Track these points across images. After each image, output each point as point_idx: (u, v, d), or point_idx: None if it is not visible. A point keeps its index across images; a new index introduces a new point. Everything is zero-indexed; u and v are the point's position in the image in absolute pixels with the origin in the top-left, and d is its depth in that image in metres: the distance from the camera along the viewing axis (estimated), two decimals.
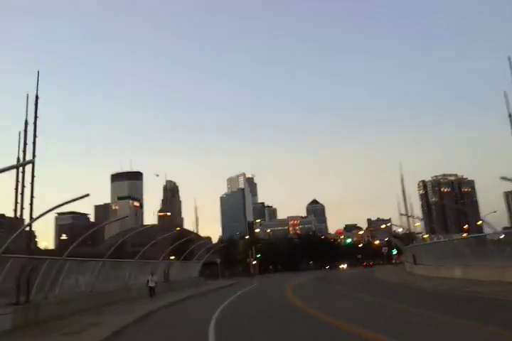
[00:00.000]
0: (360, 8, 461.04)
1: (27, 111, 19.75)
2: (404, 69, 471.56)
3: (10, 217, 18.59)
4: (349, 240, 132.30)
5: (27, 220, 17.89)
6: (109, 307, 20.79)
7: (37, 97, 20.28)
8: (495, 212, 73.81)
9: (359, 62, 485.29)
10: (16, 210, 17.65)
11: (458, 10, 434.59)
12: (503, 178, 19.17)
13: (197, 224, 60.37)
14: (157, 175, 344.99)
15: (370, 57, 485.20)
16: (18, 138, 19.20)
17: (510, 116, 30.65)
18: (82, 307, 19.83)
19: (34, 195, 18.24)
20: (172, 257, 54.14)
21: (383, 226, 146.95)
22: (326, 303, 19.24)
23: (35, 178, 18.07)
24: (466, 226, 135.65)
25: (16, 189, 17.73)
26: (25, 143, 18.86)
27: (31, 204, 17.75)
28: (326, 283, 37.85)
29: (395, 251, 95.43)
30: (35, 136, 19.28)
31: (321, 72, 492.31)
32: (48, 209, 15.26)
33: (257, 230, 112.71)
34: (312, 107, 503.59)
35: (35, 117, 19.85)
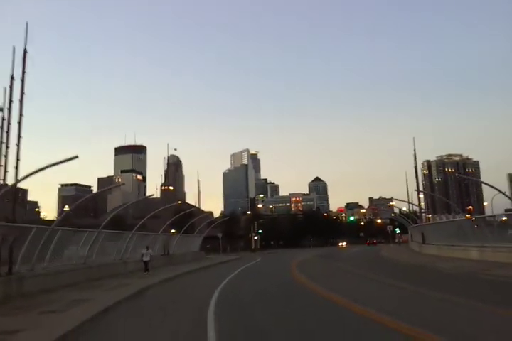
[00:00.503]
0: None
1: (13, 65, 17.89)
2: (410, 51, 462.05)
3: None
4: (352, 217, 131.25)
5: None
6: (103, 282, 19.43)
7: (25, 51, 18.44)
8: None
9: (367, 44, 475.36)
10: None
11: None
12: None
13: (199, 198, 58.01)
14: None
15: (379, 40, 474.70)
16: (3, 95, 17.34)
17: None
18: (74, 281, 18.47)
19: (32, 164, 16.65)
20: (173, 231, 53.04)
21: (390, 203, 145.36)
22: (334, 282, 17.81)
23: (25, 141, 16.41)
24: (470, 207, 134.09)
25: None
26: (10, 101, 17.05)
27: (16, 167, 16.02)
28: (332, 260, 36.48)
29: (398, 230, 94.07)
30: (22, 93, 17.50)
31: (326, 52, 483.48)
32: (35, 170, 13.96)
33: (260, 205, 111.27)
34: (316, 86, 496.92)
35: (23, 73, 18.01)
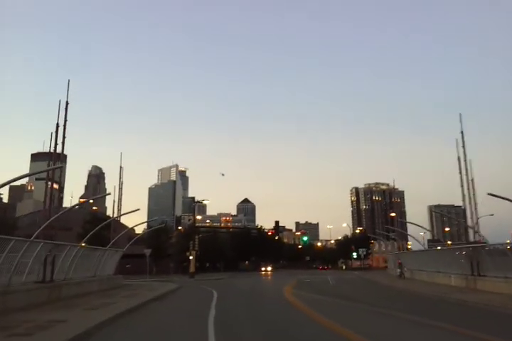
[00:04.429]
0: None
1: None
2: (335, 83, 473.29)
3: None
4: (306, 238, 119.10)
5: None
6: None
7: None
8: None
9: (304, 68, 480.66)
10: None
11: None
12: (491, 194, 17.41)
13: (119, 204, 39.19)
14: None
15: (327, 59, 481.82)
16: None
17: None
18: None
19: None
20: (83, 244, 36.17)
21: (333, 226, 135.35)
22: None
23: None
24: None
25: None
26: None
27: None
28: (351, 300, 21.00)
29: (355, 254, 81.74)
30: None
31: (257, 70, 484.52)
32: None
33: (199, 217, 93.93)
34: (246, 110, 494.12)
35: None
